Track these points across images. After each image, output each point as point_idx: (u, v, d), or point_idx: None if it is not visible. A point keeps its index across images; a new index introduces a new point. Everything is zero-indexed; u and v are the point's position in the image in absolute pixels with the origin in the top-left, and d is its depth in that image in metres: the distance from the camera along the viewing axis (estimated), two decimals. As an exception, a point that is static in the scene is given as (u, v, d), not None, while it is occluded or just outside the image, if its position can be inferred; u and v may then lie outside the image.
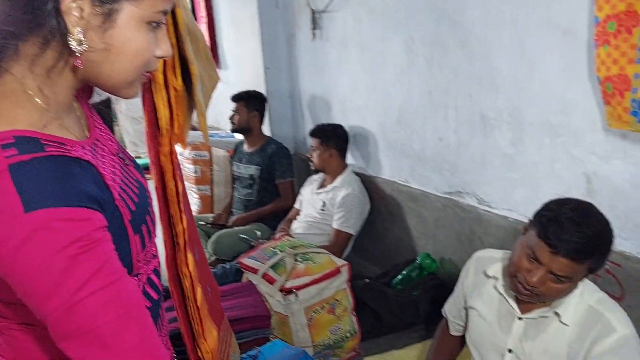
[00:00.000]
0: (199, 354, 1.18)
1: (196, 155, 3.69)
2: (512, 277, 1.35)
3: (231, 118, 3.36)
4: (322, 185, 2.99)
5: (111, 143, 0.88)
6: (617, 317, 1.30)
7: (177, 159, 1.16)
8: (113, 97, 0.87)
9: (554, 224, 1.26)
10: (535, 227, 1.30)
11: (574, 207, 1.29)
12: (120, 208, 0.78)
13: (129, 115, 5.37)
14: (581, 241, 1.22)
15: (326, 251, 2.38)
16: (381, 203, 2.93)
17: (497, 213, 2.21)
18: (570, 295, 1.35)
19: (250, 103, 3.31)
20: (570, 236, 1.22)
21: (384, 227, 2.96)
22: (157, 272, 0.92)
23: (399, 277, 2.55)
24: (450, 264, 2.53)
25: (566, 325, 1.34)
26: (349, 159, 3.02)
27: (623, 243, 1.72)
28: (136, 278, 0.85)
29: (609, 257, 1.30)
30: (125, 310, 0.70)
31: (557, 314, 1.35)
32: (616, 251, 1.74)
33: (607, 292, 1.39)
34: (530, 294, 1.30)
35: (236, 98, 3.35)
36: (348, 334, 2.19)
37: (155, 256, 0.92)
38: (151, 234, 0.87)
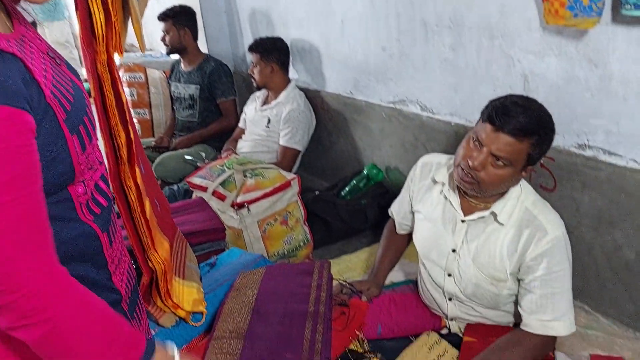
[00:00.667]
0: (150, 265, 1.18)
1: (130, 77, 3.52)
2: (457, 167, 1.40)
3: (162, 39, 3.20)
4: (265, 102, 2.95)
5: (40, 42, 0.81)
6: (549, 220, 1.39)
7: (117, 69, 1.10)
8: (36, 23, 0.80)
9: (499, 108, 1.31)
10: (482, 116, 1.35)
11: (519, 97, 1.35)
12: (53, 107, 0.74)
13: (55, 42, 4.99)
14: (524, 120, 1.28)
15: (275, 166, 2.39)
16: (327, 117, 2.93)
17: (439, 119, 2.27)
18: (508, 196, 1.43)
19: (178, 20, 3.15)
20: (514, 114, 1.28)
21: (331, 141, 2.99)
22: (104, 178, 0.89)
23: (347, 188, 2.61)
24: (395, 172, 2.61)
25: (502, 224, 1.43)
26: (292, 73, 2.97)
27: (556, 138, 1.81)
28: (83, 185, 0.83)
29: (546, 150, 1.36)
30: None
31: (494, 213, 1.43)
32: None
33: (540, 185, 1.49)
34: (471, 180, 1.36)
35: (162, 17, 3.17)
36: (301, 243, 2.26)
37: (102, 163, 0.89)
38: (91, 136, 0.84)
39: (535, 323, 1.39)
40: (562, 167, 1.82)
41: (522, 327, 1.43)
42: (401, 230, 1.81)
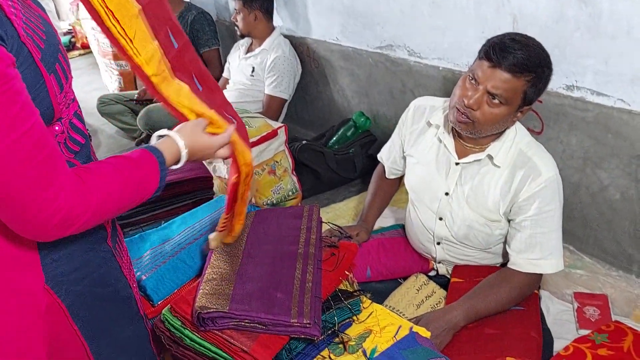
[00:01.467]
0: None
1: (110, 28, 3.41)
2: (452, 107, 1.39)
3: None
4: (249, 50, 2.88)
5: None
6: (543, 161, 1.40)
7: None
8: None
9: (497, 44, 1.29)
10: (479, 54, 1.33)
11: (517, 34, 1.32)
12: (28, 46, 0.71)
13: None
14: (521, 55, 1.26)
15: (261, 115, 2.35)
16: (313, 65, 2.88)
17: (427, 63, 2.23)
18: (504, 138, 1.42)
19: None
20: (512, 50, 1.26)
21: (317, 90, 2.94)
22: (78, 115, 0.88)
23: (335, 137, 2.59)
24: (383, 119, 2.59)
25: (498, 167, 1.43)
26: (277, 20, 2.89)
27: (545, 79, 1.80)
28: (59, 123, 0.81)
29: (543, 89, 1.34)
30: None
31: (490, 156, 1.43)
32: (538, 88, 1.83)
33: (528, 128, 1.49)
34: (466, 120, 1.35)
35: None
36: (290, 193, 2.26)
37: (75, 99, 0.88)
38: (67, 75, 0.82)
39: (523, 262, 1.42)
40: (550, 109, 1.82)
41: (510, 265, 1.45)
42: (391, 175, 1.81)
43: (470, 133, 1.39)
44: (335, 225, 1.54)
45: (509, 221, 1.47)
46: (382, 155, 1.82)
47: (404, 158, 1.69)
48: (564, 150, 1.82)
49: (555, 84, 1.79)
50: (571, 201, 1.84)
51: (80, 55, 5.12)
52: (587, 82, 1.70)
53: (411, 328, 1.14)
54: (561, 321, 1.60)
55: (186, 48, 1.09)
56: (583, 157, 1.77)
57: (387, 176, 1.81)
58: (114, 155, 0.85)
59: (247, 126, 2.16)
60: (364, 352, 1.07)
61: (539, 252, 1.40)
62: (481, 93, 1.31)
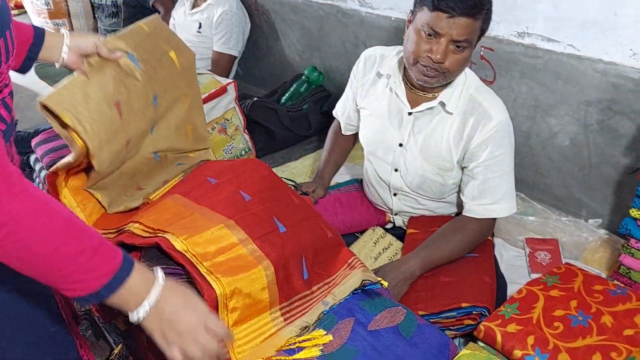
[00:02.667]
0: None
1: (43, -16, 3.18)
2: (414, 64, 1.35)
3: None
4: (195, 5, 2.75)
5: None
6: (493, 106, 1.39)
7: None
8: None
9: None
10: (425, 5, 1.29)
11: None
12: None
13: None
14: None
15: (209, 72, 2.26)
16: (262, 19, 2.78)
17: (379, 14, 2.18)
18: (454, 84, 1.40)
19: None
20: None
21: (268, 45, 2.85)
22: (7, 104, 0.80)
23: (288, 94, 2.52)
24: (337, 73, 2.54)
25: (450, 113, 1.41)
26: (222, -28, 2.75)
27: (496, 27, 1.79)
28: None
29: (491, 16, 1.33)
30: None
31: (442, 103, 1.41)
32: (489, 36, 1.81)
33: (481, 78, 1.48)
34: (437, 72, 1.33)
35: None
36: (243, 152, 2.20)
37: (8, 85, 0.81)
38: (9, 55, 0.74)
39: (477, 208, 1.43)
40: (501, 57, 1.81)
41: (465, 213, 1.46)
42: (347, 131, 1.78)
43: (439, 83, 1.38)
44: (291, 180, 1.50)
45: (462, 169, 1.47)
46: (337, 111, 1.78)
47: (358, 111, 1.66)
48: (515, 99, 1.82)
49: (507, 32, 1.78)
50: (522, 149, 1.87)
51: (15, 16, 4.78)
52: (537, 28, 1.69)
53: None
54: (514, 266, 1.64)
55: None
56: (533, 105, 1.79)
57: (342, 132, 1.78)
58: (84, 223, 0.74)
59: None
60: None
61: (491, 197, 1.41)
62: (445, 45, 1.29)
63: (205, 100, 2.04)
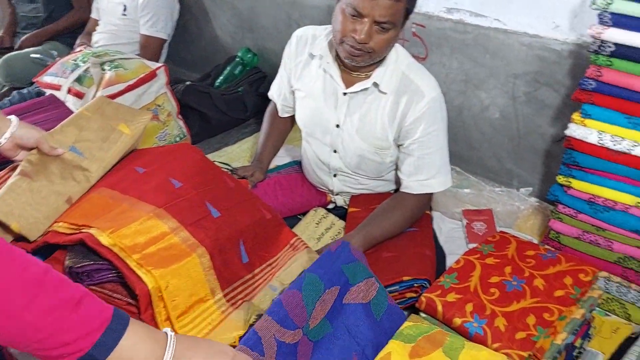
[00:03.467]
0: None
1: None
2: (341, 44, 1.34)
3: None
4: (119, -14, 2.61)
5: None
6: (424, 82, 1.41)
7: None
8: None
9: None
10: None
11: None
12: None
13: None
14: None
15: (137, 56, 2.16)
16: (191, 0, 2.68)
17: (310, -7, 2.15)
18: (386, 63, 1.41)
19: None
20: None
21: (198, 27, 2.76)
22: None
23: (222, 77, 2.46)
24: (271, 54, 2.49)
25: (384, 93, 1.42)
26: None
27: (426, 3, 1.80)
28: None
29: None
30: None
31: (376, 84, 1.41)
32: (420, 13, 1.83)
33: (413, 55, 1.49)
34: (362, 52, 1.32)
35: None
36: (177, 139, 2.12)
37: None
38: None
39: (414, 184, 1.45)
40: (432, 33, 1.83)
41: (402, 189, 1.48)
42: (284, 113, 1.75)
43: (366, 63, 1.37)
44: (227, 165, 1.46)
45: (398, 147, 1.48)
46: (272, 93, 1.75)
47: (293, 92, 1.64)
48: (447, 74, 1.85)
49: (436, 8, 1.80)
50: (455, 124, 1.90)
51: None
52: (465, 3, 1.72)
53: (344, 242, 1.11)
54: (452, 238, 1.68)
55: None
56: (464, 80, 1.82)
57: (280, 115, 1.75)
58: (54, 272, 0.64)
59: (121, 69, 1.99)
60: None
61: (427, 172, 1.44)
62: (369, 25, 1.28)
63: (135, 86, 1.96)
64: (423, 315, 1.19)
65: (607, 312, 1.38)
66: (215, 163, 1.22)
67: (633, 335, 1.27)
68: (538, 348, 1.05)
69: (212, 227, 0.97)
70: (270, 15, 2.37)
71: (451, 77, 1.85)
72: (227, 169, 1.48)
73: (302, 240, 1.11)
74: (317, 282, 0.95)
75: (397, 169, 1.53)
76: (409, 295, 1.30)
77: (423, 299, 1.19)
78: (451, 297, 1.17)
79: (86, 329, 0.63)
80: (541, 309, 1.12)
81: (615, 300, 1.36)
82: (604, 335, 1.31)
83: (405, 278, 1.27)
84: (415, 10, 1.81)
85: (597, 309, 1.36)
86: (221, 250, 0.95)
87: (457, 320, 1.12)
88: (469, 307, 1.14)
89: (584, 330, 1.19)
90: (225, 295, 0.94)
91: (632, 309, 1.34)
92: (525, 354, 1.03)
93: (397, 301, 1.32)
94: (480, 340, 1.07)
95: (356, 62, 1.37)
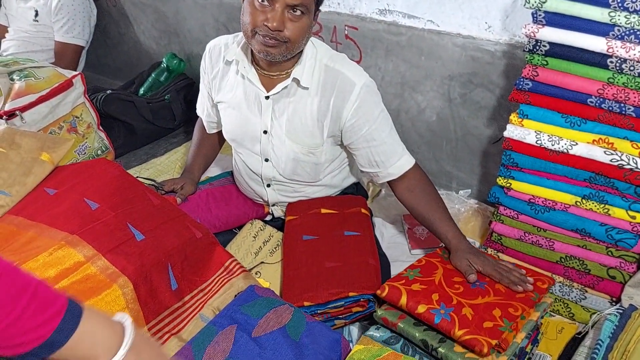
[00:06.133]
0: None
1: None
2: (253, 36, 1.27)
3: None
4: (27, -11, 2.41)
5: None
6: (351, 71, 1.36)
7: None
8: None
9: None
10: None
11: None
12: None
13: None
14: None
15: (50, 64, 1.98)
16: (110, 4, 2.52)
17: (238, -5, 2.06)
18: (303, 58, 1.35)
19: None
20: None
21: (119, 32, 2.60)
22: None
23: (146, 84, 2.32)
24: (199, 59, 2.36)
25: (306, 88, 1.36)
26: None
27: (359, 5, 1.76)
28: None
29: None
30: None
31: (296, 80, 1.35)
32: (353, 14, 1.78)
33: (348, 57, 1.44)
34: (277, 41, 1.25)
35: None
36: (99, 152, 1.97)
37: None
38: None
39: (392, 170, 1.42)
40: (366, 35, 1.79)
41: (387, 179, 1.44)
42: (211, 130, 1.67)
43: (283, 56, 1.29)
44: (151, 180, 1.34)
45: (342, 145, 1.44)
46: (197, 110, 1.67)
47: (216, 106, 1.55)
48: (382, 77, 1.82)
49: (369, 9, 1.75)
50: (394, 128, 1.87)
51: None
52: (398, 4, 1.68)
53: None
54: (395, 244, 1.64)
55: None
56: (400, 82, 1.79)
57: (208, 131, 1.66)
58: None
59: (32, 78, 1.83)
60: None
61: (395, 153, 1.41)
62: (281, 10, 1.21)
63: (48, 97, 1.80)
64: (373, 331, 1.13)
65: (552, 313, 1.37)
66: (138, 179, 1.11)
67: (578, 335, 1.27)
68: (503, 339, 1.04)
69: (135, 252, 0.86)
70: (197, 19, 2.25)
71: (387, 79, 1.81)
72: (152, 184, 1.35)
73: (238, 263, 1.02)
74: (209, 330, 0.90)
75: (363, 166, 1.46)
76: (355, 309, 1.24)
77: (386, 286, 1.16)
78: (416, 287, 1.15)
79: (44, 316, 0.62)
80: (506, 305, 1.12)
81: (559, 300, 1.36)
82: (550, 336, 1.30)
83: (351, 294, 1.21)
84: (348, 12, 1.79)
85: (543, 309, 1.36)
86: (146, 277, 0.84)
87: (423, 307, 1.09)
88: (435, 297, 1.12)
89: (534, 335, 1.17)
90: (150, 329, 0.83)
91: (575, 308, 1.34)
92: (493, 342, 1.01)
93: (344, 315, 1.26)
94: (447, 327, 1.05)
95: (272, 56, 1.28)
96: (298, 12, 1.22)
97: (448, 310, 1.07)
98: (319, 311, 1.22)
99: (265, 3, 1.21)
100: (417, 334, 1.08)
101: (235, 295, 0.95)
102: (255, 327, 0.91)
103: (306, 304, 1.21)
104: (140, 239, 0.88)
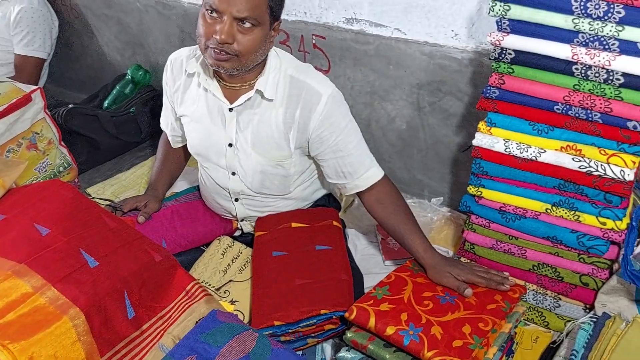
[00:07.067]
0: None
1: None
2: (206, 49, 1.24)
3: None
4: (-16, 1, 2.32)
5: None
6: (317, 81, 1.33)
7: None
8: None
9: None
10: None
11: None
12: None
13: None
14: None
15: (7, 79, 1.91)
16: (72, 15, 2.45)
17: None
18: (267, 69, 1.32)
19: None
20: None
21: (82, 44, 2.53)
22: None
23: (110, 97, 2.26)
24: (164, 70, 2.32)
25: (271, 100, 1.32)
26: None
27: (326, 14, 1.74)
28: None
29: None
30: None
31: (259, 92, 1.32)
32: (320, 24, 1.76)
33: (316, 67, 1.42)
34: (228, 57, 1.22)
35: None
36: (61, 168, 1.89)
37: None
38: None
39: (359, 182, 1.39)
40: (333, 45, 1.77)
41: (355, 191, 1.41)
42: (176, 144, 1.63)
43: (237, 70, 1.26)
44: (107, 200, 1.28)
45: (310, 157, 1.42)
46: (162, 124, 1.62)
47: (180, 120, 1.51)
48: (352, 87, 1.80)
49: (336, 18, 1.74)
50: (364, 137, 1.83)
51: None
52: (364, 13, 1.67)
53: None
54: (368, 256, 1.62)
55: None
56: (370, 92, 1.77)
57: (172, 146, 1.62)
58: None
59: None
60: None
61: (362, 165, 1.38)
62: (229, 23, 1.18)
63: (5, 113, 1.72)
64: (344, 352, 1.10)
65: (526, 322, 1.36)
66: (94, 200, 1.05)
67: (553, 345, 1.25)
68: (474, 357, 1.02)
69: (88, 280, 0.81)
70: (162, 30, 2.20)
71: (357, 89, 1.79)
72: (109, 205, 1.30)
73: (201, 286, 0.98)
74: None
75: (330, 177, 1.43)
76: (328, 327, 1.21)
77: (354, 308, 1.13)
78: (384, 307, 1.12)
79: None
80: (476, 319, 1.10)
81: (534, 309, 1.35)
82: (525, 346, 1.29)
83: (322, 312, 1.17)
84: (315, 21, 1.77)
85: (517, 319, 1.34)
86: (100, 307, 0.79)
87: (391, 329, 1.07)
88: (403, 317, 1.10)
89: (509, 346, 1.16)
90: None
91: (550, 316, 1.33)
92: (462, 362, 0.99)
93: (316, 334, 1.23)
94: (416, 348, 1.03)
95: (225, 69, 1.25)
96: (247, 25, 1.19)
97: (417, 331, 1.05)
98: (290, 330, 1.19)
99: (215, 15, 1.18)
100: (387, 356, 1.06)
101: (197, 322, 0.90)
102: (216, 357, 0.86)
103: (277, 323, 1.17)
104: (94, 266, 0.83)
